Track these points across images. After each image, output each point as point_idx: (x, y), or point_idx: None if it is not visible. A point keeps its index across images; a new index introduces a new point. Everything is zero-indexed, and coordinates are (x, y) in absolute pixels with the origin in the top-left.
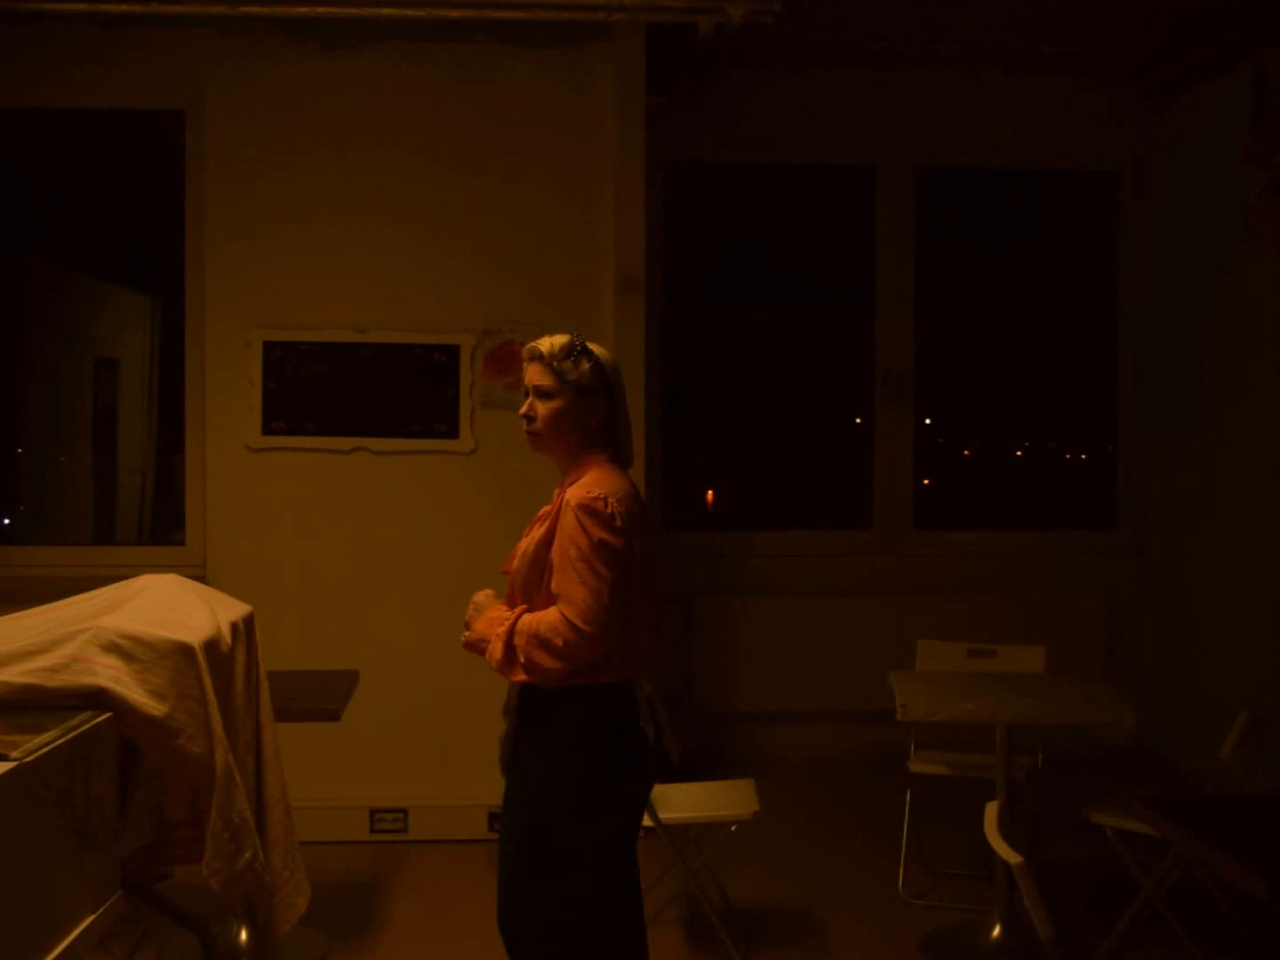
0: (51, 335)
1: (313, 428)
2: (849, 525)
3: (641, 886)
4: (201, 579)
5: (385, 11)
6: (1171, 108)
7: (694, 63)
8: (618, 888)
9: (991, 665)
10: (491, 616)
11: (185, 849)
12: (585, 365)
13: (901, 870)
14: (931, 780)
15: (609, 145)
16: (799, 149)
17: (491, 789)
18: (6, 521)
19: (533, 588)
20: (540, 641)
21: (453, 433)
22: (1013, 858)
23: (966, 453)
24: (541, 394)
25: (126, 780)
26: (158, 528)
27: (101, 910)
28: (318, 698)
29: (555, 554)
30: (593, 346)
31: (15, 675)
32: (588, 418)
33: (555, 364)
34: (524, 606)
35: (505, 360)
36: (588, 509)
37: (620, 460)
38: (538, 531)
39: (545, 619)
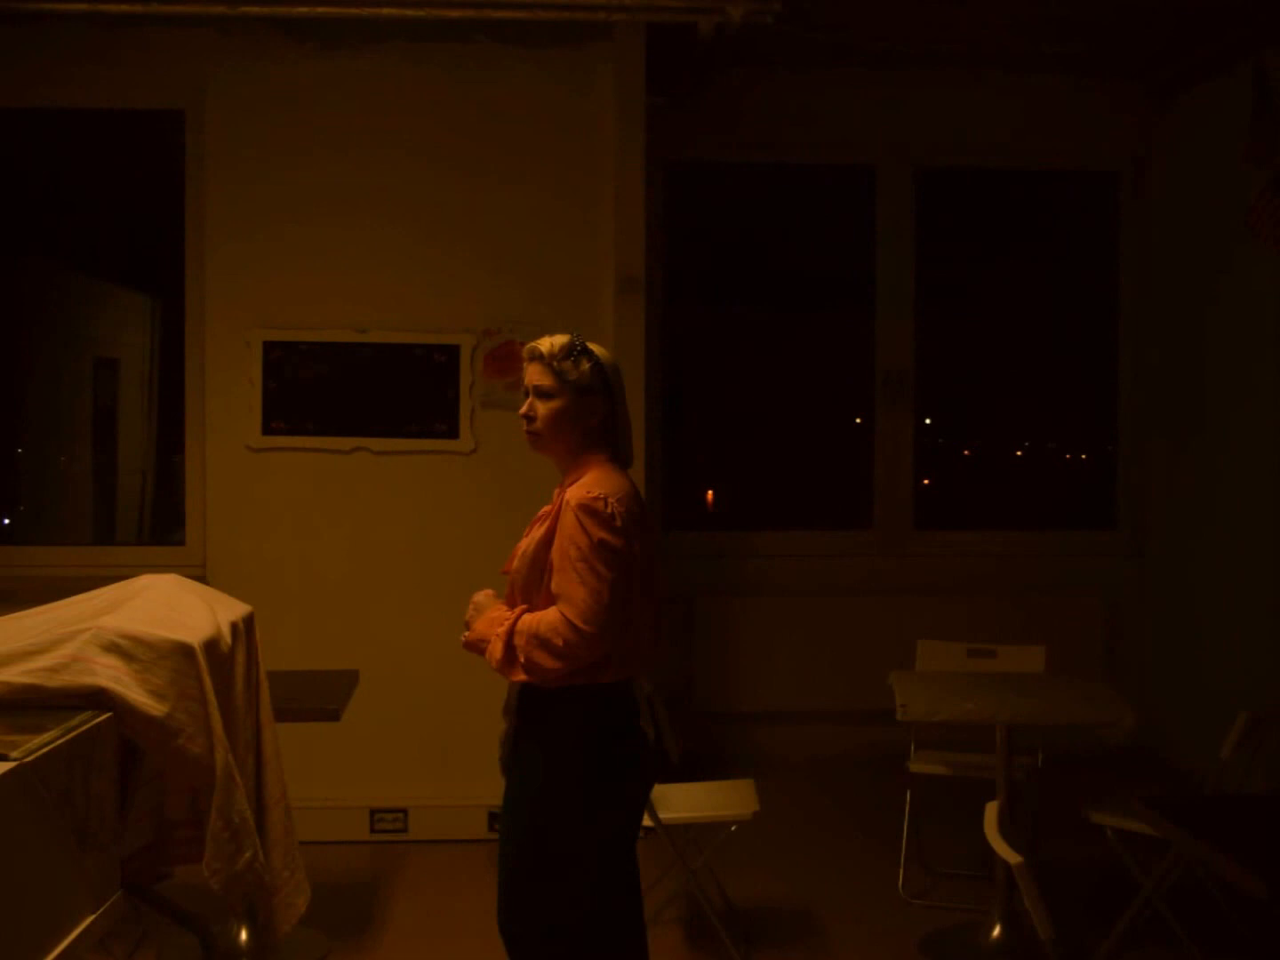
0: (51, 335)
1: (313, 428)
2: (849, 525)
3: (641, 886)
4: (201, 579)
5: (385, 11)
6: (1171, 108)
7: (694, 63)
8: (618, 888)
9: (991, 665)
10: (491, 616)
11: (185, 849)
12: (585, 365)
13: (901, 870)
14: (931, 780)
15: (609, 145)
16: (799, 149)
17: (491, 789)
18: (6, 521)
19: (533, 588)
20: (540, 641)
21: (453, 433)
22: (1013, 858)
23: (966, 453)
24: (541, 394)
25: (126, 780)
26: (158, 528)
27: (101, 910)
28: (318, 698)
29: (555, 554)
30: (593, 346)
31: (15, 675)
32: (588, 418)
33: (555, 364)
34: (524, 606)
35: (505, 360)
36: (588, 509)
37: (620, 460)
38: (538, 531)
39: (545, 619)
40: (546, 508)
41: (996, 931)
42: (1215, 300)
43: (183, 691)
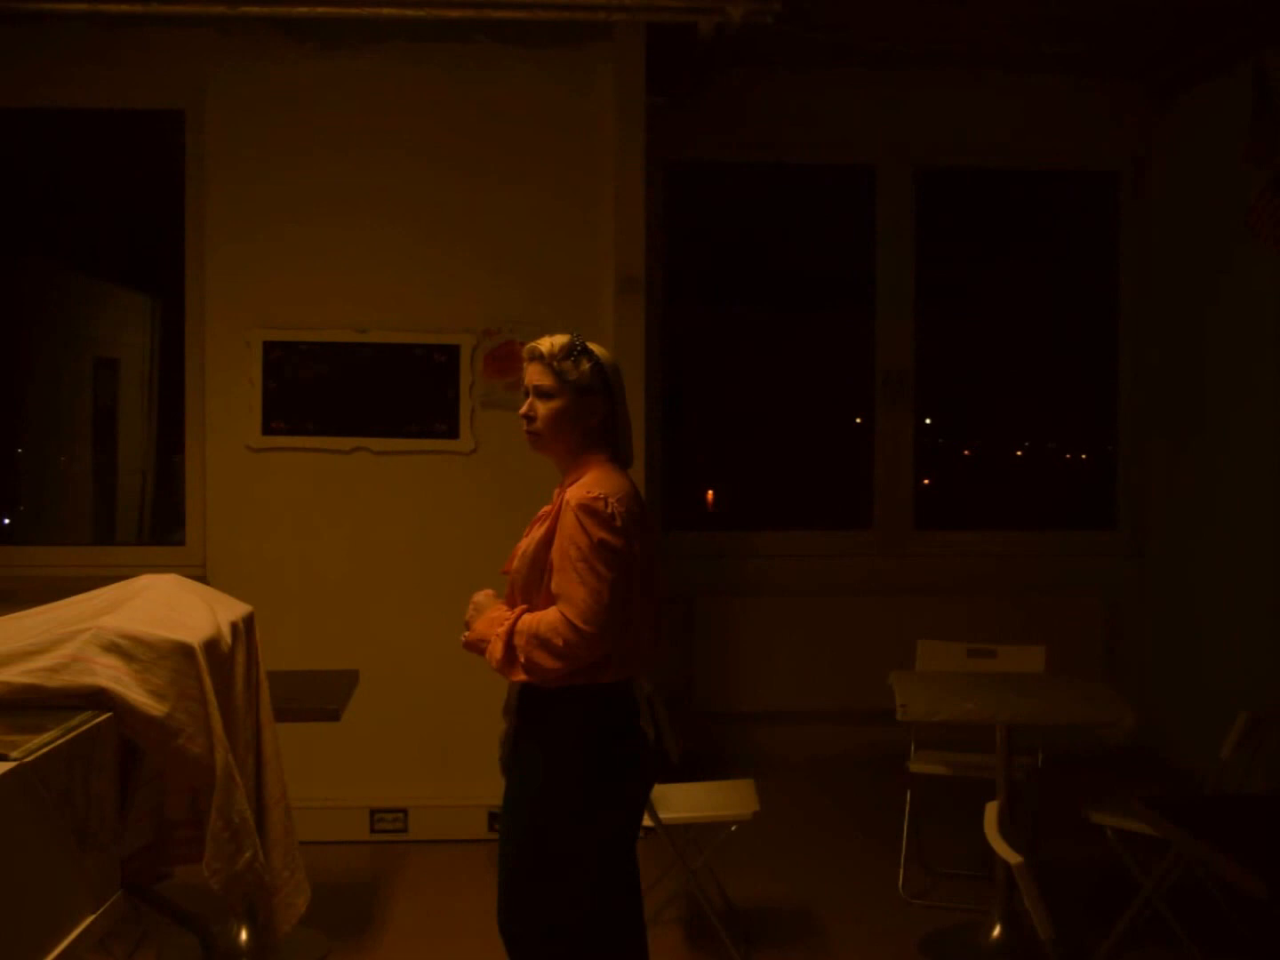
0: (51, 335)
1: (313, 428)
2: (849, 525)
3: (641, 886)
4: (201, 579)
5: (385, 11)
6: (1171, 108)
7: (694, 63)
8: (618, 888)
9: (991, 665)
10: (491, 616)
11: (185, 849)
12: (585, 365)
13: (901, 870)
14: (931, 780)
15: (609, 145)
16: (799, 149)
17: (491, 789)
18: (6, 521)
19: (533, 588)
20: (540, 641)
21: (453, 433)
22: (1013, 858)
23: (966, 453)
24: (541, 394)
25: (126, 780)
26: (158, 528)
27: (101, 910)
28: (318, 698)
29: (555, 554)
30: (593, 346)
31: (15, 675)
32: (588, 418)
33: (555, 364)
34: (524, 606)
35: (505, 360)
36: (588, 509)
37: (620, 460)
38: (538, 531)
39: (545, 619)
40: (546, 508)
41: (996, 931)
42: (1215, 300)
43: (183, 691)
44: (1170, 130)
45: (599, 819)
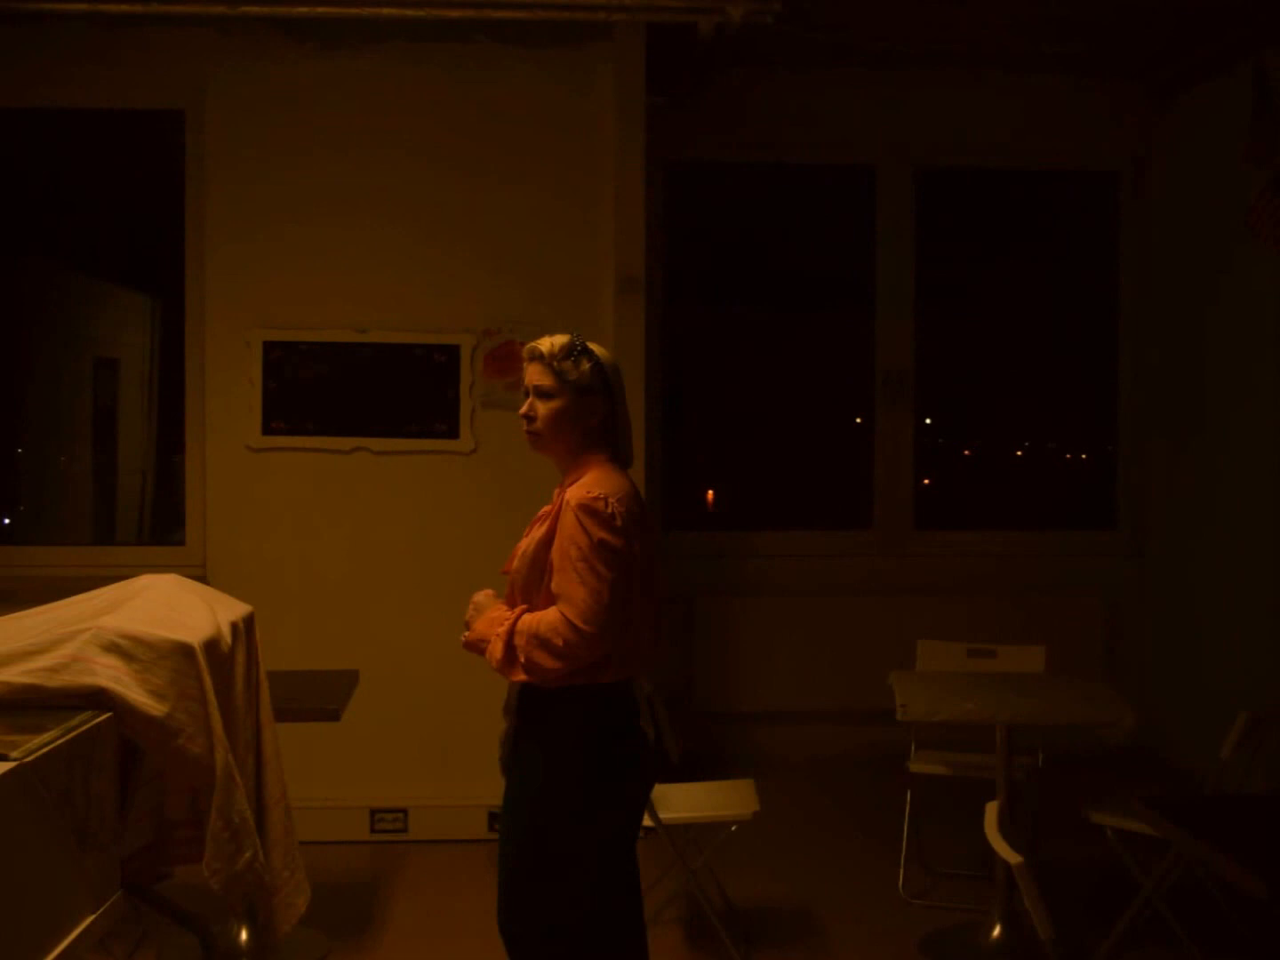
0: (51, 335)
1: (313, 428)
2: (849, 525)
3: (641, 886)
4: (201, 579)
5: (385, 11)
6: (1171, 108)
7: (694, 63)
8: (618, 888)
9: (991, 665)
10: (491, 616)
11: (185, 849)
12: (585, 365)
13: (901, 870)
14: (931, 780)
15: (609, 145)
16: (799, 149)
17: (491, 789)
18: (6, 521)
19: (533, 588)
20: (540, 641)
21: (453, 433)
22: (1013, 858)
23: (966, 453)
24: (541, 394)
25: (126, 780)
26: (158, 528)
27: (101, 910)
28: (318, 698)
29: (555, 554)
30: (593, 346)
31: (15, 675)
32: (588, 418)
33: (555, 364)
34: (524, 606)
35: (505, 360)
36: (588, 509)
37: (620, 460)
38: (538, 531)
39: (545, 619)
40: (546, 508)
41: (996, 931)
42: (1215, 300)
43: (183, 691)
44: (1170, 130)
45: (599, 819)
